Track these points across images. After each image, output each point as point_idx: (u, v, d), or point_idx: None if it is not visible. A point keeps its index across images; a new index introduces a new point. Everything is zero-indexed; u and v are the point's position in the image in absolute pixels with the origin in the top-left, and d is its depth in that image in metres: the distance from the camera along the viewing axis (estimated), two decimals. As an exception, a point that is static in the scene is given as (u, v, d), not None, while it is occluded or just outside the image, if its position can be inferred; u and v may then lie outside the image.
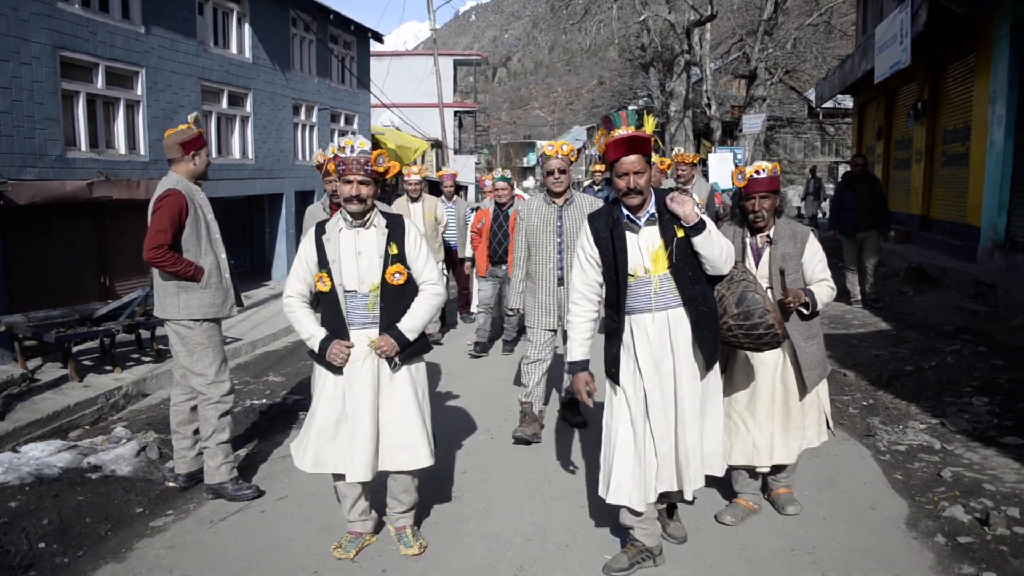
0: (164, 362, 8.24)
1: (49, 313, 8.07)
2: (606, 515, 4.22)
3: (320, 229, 3.89)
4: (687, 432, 3.57)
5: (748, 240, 4.18)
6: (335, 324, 3.83)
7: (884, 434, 5.69)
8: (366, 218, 3.81)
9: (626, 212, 3.62)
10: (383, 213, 3.89)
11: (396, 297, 3.82)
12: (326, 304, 3.86)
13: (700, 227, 3.48)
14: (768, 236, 4.12)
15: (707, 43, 30.54)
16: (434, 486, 4.80)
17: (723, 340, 3.74)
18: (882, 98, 18.04)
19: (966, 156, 12.56)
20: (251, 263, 17.54)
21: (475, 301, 9.54)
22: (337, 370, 3.79)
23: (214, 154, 14.63)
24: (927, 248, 13.89)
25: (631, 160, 3.49)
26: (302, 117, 18.55)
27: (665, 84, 31.87)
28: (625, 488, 3.56)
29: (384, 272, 3.78)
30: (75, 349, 7.87)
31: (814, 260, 4.08)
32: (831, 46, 33.14)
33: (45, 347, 8.20)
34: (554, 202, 5.61)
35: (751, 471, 4.30)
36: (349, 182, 3.71)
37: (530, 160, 70.84)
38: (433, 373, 7.36)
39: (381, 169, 3.79)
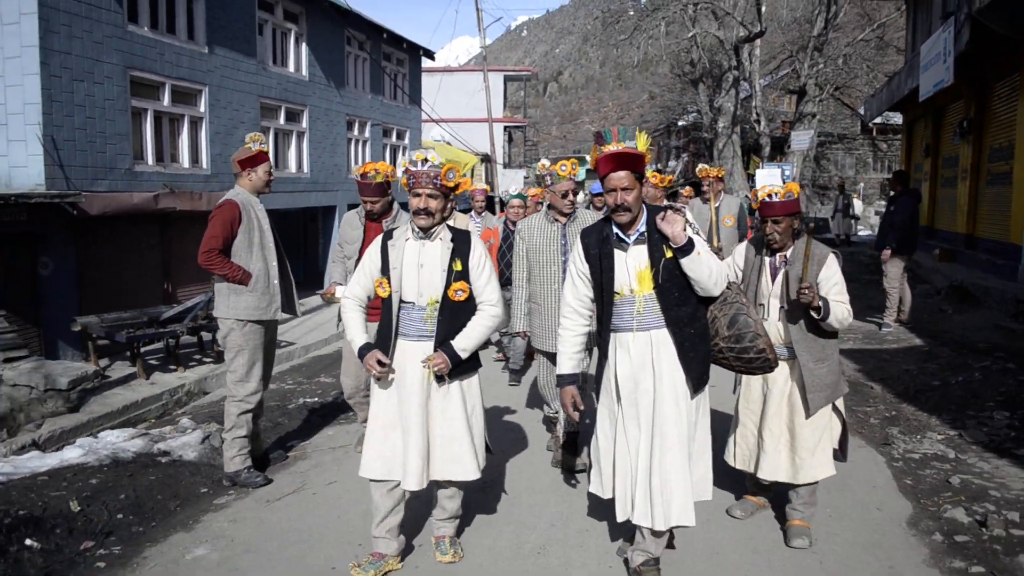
0: (224, 363, 8.78)
1: (120, 315, 8.69)
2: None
3: (388, 235, 3.94)
4: (668, 456, 3.51)
5: (767, 259, 4.22)
6: (385, 331, 3.88)
7: (901, 443, 5.93)
8: (433, 231, 3.83)
9: (616, 229, 3.62)
10: (451, 228, 3.90)
11: (455, 313, 3.82)
12: (383, 310, 3.91)
13: (688, 248, 3.43)
14: (785, 256, 4.17)
15: (757, 59, 30.65)
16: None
17: (715, 362, 3.74)
18: (930, 116, 18.06)
19: (1010, 175, 12.61)
20: (304, 273, 18.19)
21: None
22: (377, 377, 3.85)
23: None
24: (971, 267, 13.90)
25: (619, 176, 3.47)
26: (355, 132, 19.18)
27: (714, 100, 32.00)
28: (604, 484, 3.76)
29: (447, 288, 3.79)
30: (143, 349, 8.44)
31: (830, 283, 4.04)
32: (886, 60, 32.93)
33: (115, 346, 8.81)
34: (557, 220, 5.34)
35: (758, 482, 4.41)
36: (418, 195, 3.73)
37: (579, 175, 71.21)
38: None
39: (451, 184, 3.79)
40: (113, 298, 11.02)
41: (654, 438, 3.53)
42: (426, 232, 3.82)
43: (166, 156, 12.75)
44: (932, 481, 5.15)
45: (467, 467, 3.89)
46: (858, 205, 27.63)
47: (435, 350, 3.80)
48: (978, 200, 14.78)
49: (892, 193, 10.86)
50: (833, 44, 29.26)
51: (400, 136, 21.85)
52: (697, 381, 3.58)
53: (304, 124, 16.71)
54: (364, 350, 3.84)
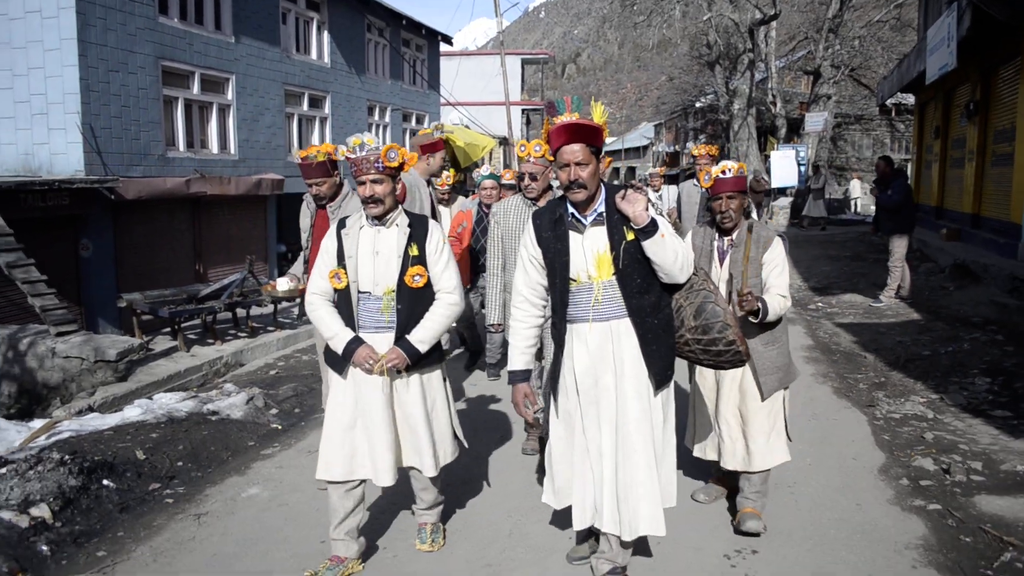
0: (257, 337, 9.40)
1: (162, 292, 9.32)
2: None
3: (341, 223, 3.71)
4: (632, 459, 3.26)
5: (716, 242, 4.10)
6: (346, 325, 3.65)
7: (885, 405, 6.42)
8: (387, 217, 3.61)
9: (571, 210, 3.32)
10: (408, 213, 3.70)
11: (414, 301, 3.62)
12: (340, 303, 3.68)
13: (651, 230, 3.16)
14: (732, 239, 4.05)
15: (772, 41, 30.86)
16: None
17: (680, 355, 3.48)
18: (939, 98, 18.35)
19: (1012, 156, 12.97)
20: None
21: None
22: (342, 372, 3.66)
23: (295, 153, 15.88)
24: (975, 245, 14.25)
25: (572, 150, 3.16)
26: (376, 117, 19.71)
27: (729, 82, 32.24)
28: (560, 496, 3.48)
29: (403, 274, 3.58)
30: (183, 324, 9.07)
31: (770, 266, 3.93)
32: (906, 41, 32.96)
33: (154, 323, 9.43)
34: (535, 203, 4.80)
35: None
36: (363, 183, 3.51)
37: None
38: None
39: (394, 164, 3.55)
40: (148, 278, 11.67)
41: (618, 440, 3.28)
42: (380, 219, 3.61)
43: (196, 142, 13.36)
44: (907, 437, 5.65)
45: (425, 464, 3.71)
46: (857, 187, 27.86)
47: (395, 342, 3.60)
48: (983, 180, 15.12)
49: (880, 176, 11.24)
50: (849, 25, 29.40)
51: (419, 120, 22.36)
52: (660, 376, 3.32)
53: (327, 110, 17.26)
54: (353, 344, 3.58)
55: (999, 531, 4.07)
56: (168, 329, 9.30)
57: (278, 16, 15.36)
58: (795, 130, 33.02)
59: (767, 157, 28.53)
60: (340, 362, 3.66)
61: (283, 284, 4.84)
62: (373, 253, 3.60)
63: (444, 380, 3.89)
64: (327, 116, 17.26)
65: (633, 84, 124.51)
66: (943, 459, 5.12)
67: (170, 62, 12.54)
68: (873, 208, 24.85)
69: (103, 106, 11.21)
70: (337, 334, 3.61)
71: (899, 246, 10.75)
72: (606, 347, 3.29)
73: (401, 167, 3.61)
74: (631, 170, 61.76)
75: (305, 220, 5.02)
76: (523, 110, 39.29)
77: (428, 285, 3.65)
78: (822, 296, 11.78)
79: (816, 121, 27.20)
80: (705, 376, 4.16)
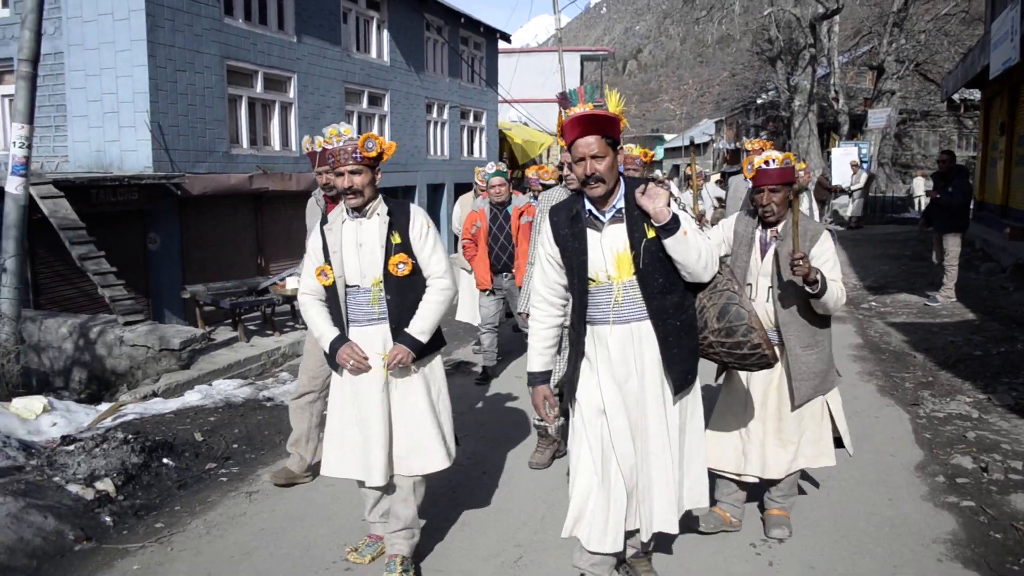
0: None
1: (223, 284, 9.71)
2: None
3: (323, 219, 3.69)
4: (652, 464, 3.17)
5: (758, 233, 3.92)
6: (336, 322, 3.63)
7: (929, 404, 6.39)
8: (367, 208, 3.56)
9: (588, 206, 3.18)
10: (387, 201, 3.64)
11: (403, 290, 3.56)
12: (329, 300, 3.65)
13: (673, 227, 3.02)
14: (777, 231, 3.87)
15: (836, 35, 30.37)
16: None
17: (704, 356, 3.35)
18: (1005, 93, 17.89)
19: (1079, 153, 12.64)
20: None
21: (477, 318, 7.86)
22: (339, 369, 3.64)
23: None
24: (1041, 245, 13.92)
25: (587, 142, 3.01)
26: (434, 115, 20.00)
27: (791, 78, 31.81)
28: (584, 522, 3.21)
29: (386, 263, 3.53)
30: (243, 316, 9.42)
31: (821, 259, 3.73)
32: (976, 33, 32.10)
33: (216, 314, 9.81)
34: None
35: (738, 482, 4.04)
36: (340, 174, 3.47)
37: (657, 154, 71.11)
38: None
39: (372, 154, 3.49)
40: (212, 270, 12.11)
41: (642, 443, 3.19)
42: (360, 211, 3.56)
43: (259, 140, 13.78)
44: (949, 436, 5.64)
45: (433, 457, 3.61)
46: (920, 184, 27.28)
47: (391, 333, 3.57)
48: (1050, 179, 14.74)
49: (941, 171, 11.06)
50: (914, 19, 28.78)
51: (477, 117, 22.60)
52: (681, 381, 3.19)
53: (385, 107, 17.59)
54: (337, 343, 3.57)
55: (1031, 529, 4.08)
56: (230, 320, 9.65)
57: (339, 15, 15.72)
58: (858, 127, 32.43)
59: (828, 154, 28.10)
60: (335, 361, 3.63)
61: (292, 283, 4.78)
62: (357, 245, 3.55)
63: (443, 368, 3.82)
64: (386, 114, 17.59)
65: (695, 80, 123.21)
66: (983, 458, 5.11)
67: (235, 61, 12.96)
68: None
69: (171, 104, 11.65)
70: (323, 334, 3.62)
71: (955, 244, 10.60)
72: (628, 351, 3.16)
73: (380, 157, 3.55)
74: (675, 168, 61.03)
75: (315, 218, 4.62)
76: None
77: (415, 272, 3.59)
78: (877, 295, 11.65)
79: (879, 117, 26.69)
80: (732, 378, 3.99)
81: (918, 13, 29.38)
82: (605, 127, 3.03)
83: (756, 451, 3.89)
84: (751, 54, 41.93)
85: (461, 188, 19.29)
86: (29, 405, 5.88)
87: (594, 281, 3.17)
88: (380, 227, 3.54)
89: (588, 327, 3.23)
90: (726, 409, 3.99)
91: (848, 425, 5.63)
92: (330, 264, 3.58)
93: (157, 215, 11.82)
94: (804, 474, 4.61)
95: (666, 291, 3.13)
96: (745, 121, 50.58)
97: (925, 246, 16.44)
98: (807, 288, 3.59)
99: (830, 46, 29.83)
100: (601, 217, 3.15)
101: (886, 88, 28.52)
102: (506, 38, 24.11)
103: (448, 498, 4.64)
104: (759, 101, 45.33)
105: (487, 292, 7.22)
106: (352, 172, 3.45)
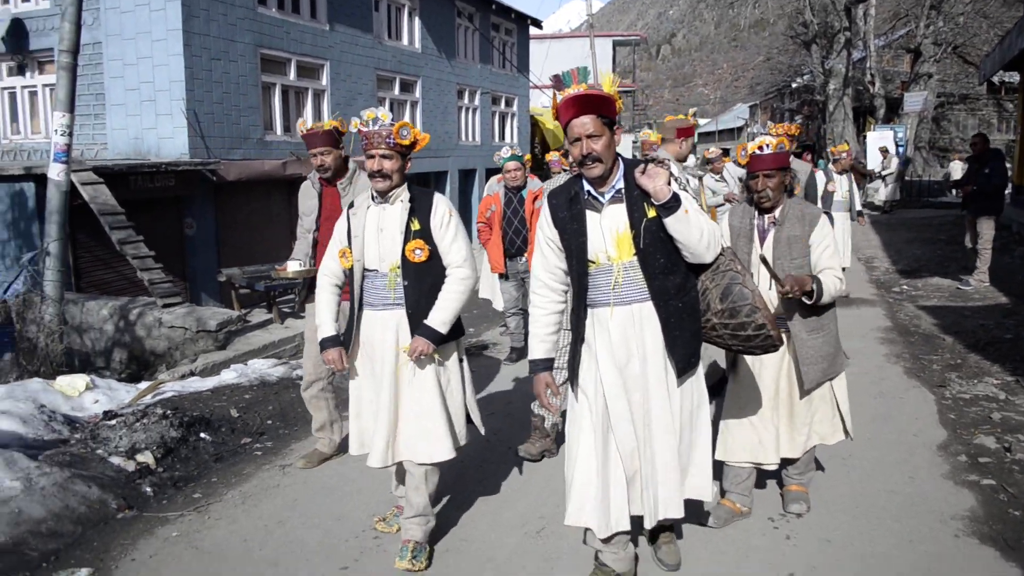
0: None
1: (258, 268, 9.93)
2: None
3: (351, 205, 3.76)
4: (656, 449, 3.14)
5: (756, 220, 3.88)
6: (353, 304, 3.68)
7: (956, 385, 6.39)
8: (391, 194, 3.60)
9: (587, 187, 3.14)
10: (412, 188, 3.66)
11: (420, 276, 3.57)
12: (349, 282, 3.72)
13: (673, 206, 2.98)
14: (774, 217, 3.82)
15: (872, 19, 29.97)
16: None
17: (708, 340, 3.30)
18: (1045, 75, 17.61)
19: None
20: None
21: (499, 303, 7.82)
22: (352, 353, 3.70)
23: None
24: (1077, 228, 13.74)
25: (582, 122, 2.98)
26: (465, 101, 20.11)
27: (825, 61, 31.49)
28: (587, 510, 3.18)
29: (404, 248, 3.55)
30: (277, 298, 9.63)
31: (821, 246, 3.71)
32: (1017, 15, 31.48)
33: (253, 295, 10.03)
34: None
35: (747, 469, 4.01)
36: (372, 156, 3.50)
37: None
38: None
39: (406, 142, 3.54)
40: (247, 254, 12.34)
41: (643, 427, 3.16)
42: (384, 196, 3.60)
43: (292, 126, 13.97)
44: (974, 416, 5.65)
45: (435, 446, 3.59)
46: (958, 168, 26.93)
47: (409, 319, 3.57)
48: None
49: (976, 154, 10.97)
50: (952, 2, 28.32)
51: (508, 103, 22.67)
52: (683, 364, 3.15)
53: (417, 94, 17.73)
54: (327, 343, 3.68)
55: (1051, 506, 4.12)
56: (264, 302, 9.87)
57: (371, 3, 15.86)
58: (895, 110, 32.03)
59: (864, 138, 27.81)
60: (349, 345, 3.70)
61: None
62: (378, 230, 3.59)
63: (461, 361, 3.78)
64: (417, 100, 17.73)
65: (729, 64, 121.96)
66: (1007, 438, 5.13)
67: (268, 50, 13.16)
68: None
69: (206, 93, 11.87)
70: (322, 325, 3.70)
71: (989, 228, 10.52)
72: (629, 332, 3.12)
73: (413, 146, 3.58)
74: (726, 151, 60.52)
75: (312, 201, 4.80)
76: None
77: (433, 259, 3.59)
78: (908, 279, 11.58)
79: (915, 101, 26.37)
80: (740, 365, 3.91)
81: (958, -6, 28.91)
82: (600, 106, 2.99)
83: (771, 438, 3.88)
84: (786, 38, 41.54)
85: (492, 173, 19.40)
86: (73, 383, 6.10)
87: (594, 263, 3.13)
88: (401, 213, 3.57)
89: (588, 310, 3.19)
90: (738, 399, 3.94)
91: (873, 404, 5.72)
92: (351, 247, 3.63)
93: (193, 201, 12.07)
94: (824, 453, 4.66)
95: (667, 271, 3.10)
96: (780, 105, 50.13)
97: (960, 230, 16.28)
98: (804, 299, 3.63)
99: (866, 29, 29.45)
100: (600, 198, 3.12)
101: (923, 71, 28.17)
102: (537, 24, 24.12)
103: (476, 471, 4.77)
104: (794, 85, 44.92)
105: (503, 277, 7.25)
106: (383, 156, 3.48)
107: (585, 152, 2.99)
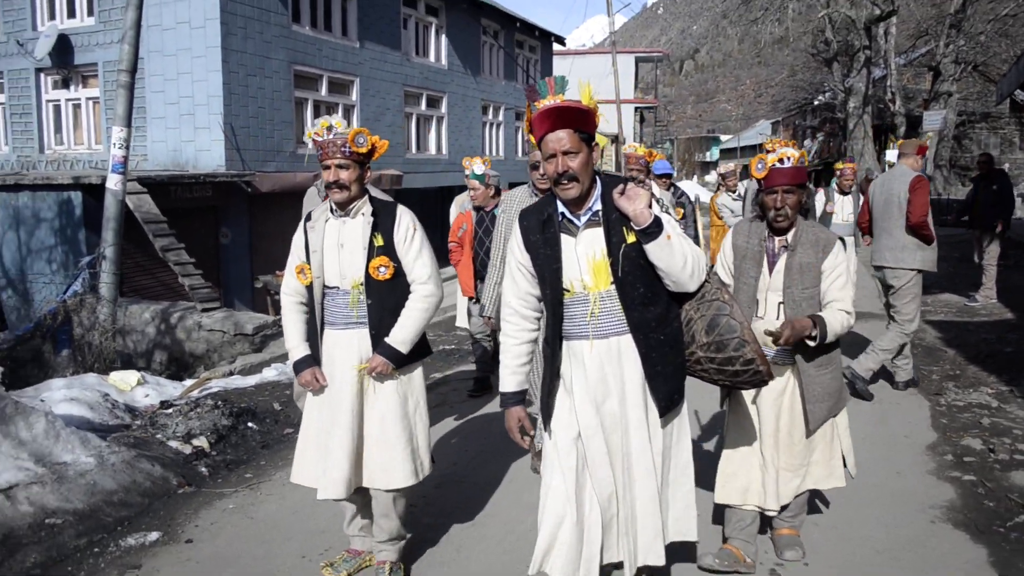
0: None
1: (291, 275, 10.43)
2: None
3: (307, 217, 3.53)
4: (636, 494, 2.90)
5: (766, 242, 3.57)
6: (312, 324, 3.52)
7: (951, 393, 6.76)
8: (352, 207, 3.40)
9: (561, 208, 2.90)
10: (373, 200, 3.47)
11: (384, 294, 3.40)
12: (308, 301, 3.54)
13: (654, 231, 2.75)
14: (786, 240, 3.53)
15: (892, 37, 30.27)
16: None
17: (691, 374, 3.06)
18: (1060, 96, 17.89)
19: None
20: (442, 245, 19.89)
21: (463, 323, 6.92)
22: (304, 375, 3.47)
23: (413, 150, 16.97)
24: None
25: (557, 137, 2.74)
26: (490, 116, 20.66)
27: (846, 79, 31.78)
28: (554, 555, 2.85)
29: (367, 266, 3.37)
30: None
31: (833, 275, 3.46)
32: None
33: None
34: (539, 195, 4.54)
35: (751, 513, 3.71)
36: (327, 167, 3.32)
37: (712, 155, 70.93)
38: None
39: (363, 150, 3.33)
40: (279, 263, 12.76)
41: (623, 470, 2.92)
42: (344, 208, 3.40)
43: (324, 140, 14.53)
44: (965, 421, 6.02)
45: (396, 474, 3.41)
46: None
47: (371, 339, 3.40)
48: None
49: (979, 174, 11.35)
50: (972, 21, 28.58)
51: (531, 119, 23.16)
52: (667, 402, 2.93)
53: (443, 109, 18.29)
54: (300, 365, 3.48)
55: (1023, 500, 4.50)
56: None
57: (399, 22, 16.44)
58: (916, 128, 32.22)
59: (884, 156, 28.04)
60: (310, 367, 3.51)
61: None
62: (338, 246, 3.40)
63: (423, 381, 3.62)
64: (443, 115, 18.28)
65: (752, 81, 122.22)
66: (992, 441, 5.51)
67: (301, 66, 13.75)
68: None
69: (242, 107, 12.46)
70: (293, 348, 3.53)
71: (995, 244, 10.89)
72: (607, 368, 2.89)
73: (370, 153, 3.40)
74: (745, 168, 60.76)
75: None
76: (636, 108, 39.74)
77: (398, 276, 3.43)
78: (918, 295, 11.89)
79: (935, 119, 26.56)
80: (739, 403, 3.64)
81: (977, 14, 29.16)
82: (578, 120, 2.76)
83: (772, 481, 3.61)
84: (807, 55, 41.84)
85: (514, 187, 19.87)
86: (125, 378, 6.62)
87: (568, 292, 2.90)
88: (363, 228, 3.39)
89: (564, 342, 2.97)
90: (738, 438, 3.67)
91: (868, 409, 6.10)
92: (309, 263, 3.45)
93: (228, 211, 12.64)
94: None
95: (648, 302, 2.87)
96: (802, 123, 50.37)
97: (971, 248, 16.57)
98: (807, 342, 3.39)
99: (886, 48, 29.77)
100: (576, 221, 2.88)
101: (943, 90, 28.40)
102: (561, 41, 24.68)
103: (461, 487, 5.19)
104: (816, 103, 45.16)
105: (473, 300, 6.51)
106: (339, 166, 3.31)
107: (561, 170, 2.75)
